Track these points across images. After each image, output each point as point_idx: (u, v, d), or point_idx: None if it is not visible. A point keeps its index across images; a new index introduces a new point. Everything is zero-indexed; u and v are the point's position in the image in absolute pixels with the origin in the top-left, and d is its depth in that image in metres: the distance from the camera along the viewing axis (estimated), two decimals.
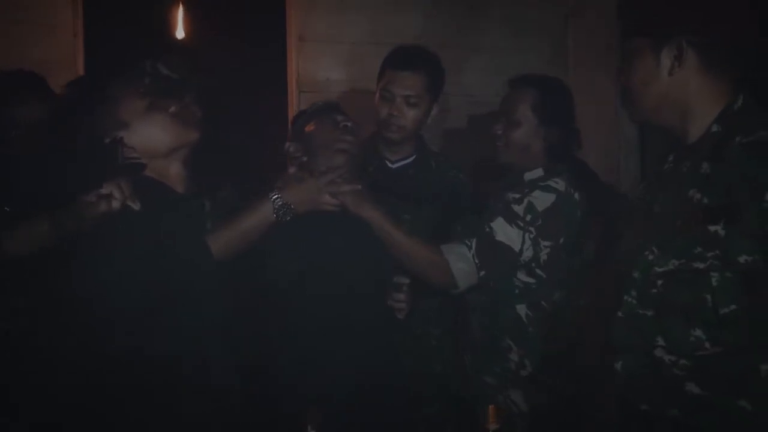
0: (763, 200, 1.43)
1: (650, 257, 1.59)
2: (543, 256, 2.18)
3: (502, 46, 3.46)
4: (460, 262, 2.12)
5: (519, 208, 2.17)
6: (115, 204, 1.62)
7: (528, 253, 2.17)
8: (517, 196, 2.19)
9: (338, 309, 2.07)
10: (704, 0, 1.57)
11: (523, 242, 2.16)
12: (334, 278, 2.08)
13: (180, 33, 3.80)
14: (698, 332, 1.50)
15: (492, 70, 3.31)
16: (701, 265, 1.49)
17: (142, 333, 1.59)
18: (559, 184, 2.21)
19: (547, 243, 2.18)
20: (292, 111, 3.38)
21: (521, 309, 2.23)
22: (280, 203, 1.99)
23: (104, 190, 1.63)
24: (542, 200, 2.18)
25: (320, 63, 3.35)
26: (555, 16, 3.56)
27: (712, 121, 1.57)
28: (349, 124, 2.13)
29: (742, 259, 1.45)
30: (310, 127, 2.16)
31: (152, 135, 1.75)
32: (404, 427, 2.22)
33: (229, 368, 1.80)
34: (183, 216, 1.78)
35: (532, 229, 2.16)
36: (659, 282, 1.56)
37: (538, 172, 2.28)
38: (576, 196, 2.24)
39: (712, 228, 1.48)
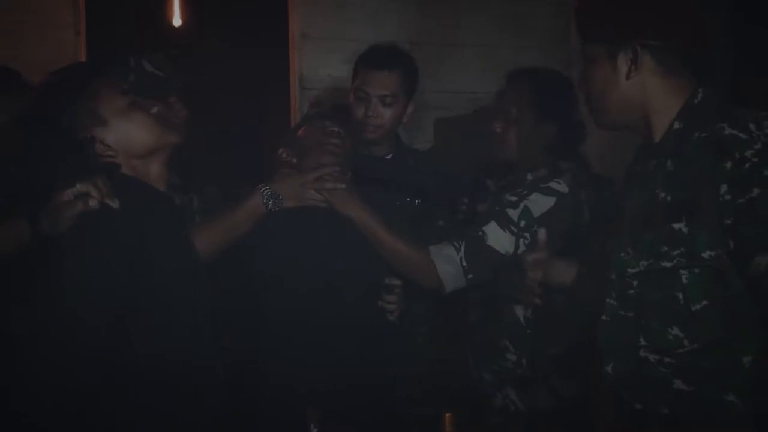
0: (719, 194, 1.44)
1: (625, 258, 1.60)
2: None
3: (503, 44, 3.45)
4: (447, 265, 2.10)
5: (514, 213, 2.13)
6: (93, 203, 1.59)
7: None
8: (514, 199, 2.15)
9: (326, 308, 2.08)
10: (658, 3, 1.56)
11: (517, 248, 2.12)
12: (322, 277, 2.10)
13: (177, 21, 3.77)
14: (675, 330, 1.51)
15: (493, 67, 3.30)
16: (669, 264, 1.50)
17: (123, 333, 1.57)
18: (562, 185, 2.16)
19: None
20: (295, 108, 3.39)
21: (519, 310, 2.21)
22: (269, 193, 2.05)
23: (81, 188, 1.60)
24: (540, 204, 2.14)
25: (323, 60, 3.35)
26: (557, 14, 3.55)
27: (674, 118, 1.58)
28: (336, 129, 2.19)
29: (706, 254, 1.46)
30: (300, 133, 2.24)
31: (131, 134, 1.71)
32: (397, 428, 2.23)
33: (214, 368, 1.79)
34: (165, 214, 1.76)
35: (527, 234, 2.12)
36: (635, 283, 1.58)
37: (541, 172, 2.22)
38: (582, 195, 2.20)
39: (675, 225, 1.49)
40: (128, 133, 1.72)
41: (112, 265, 1.56)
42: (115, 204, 1.61)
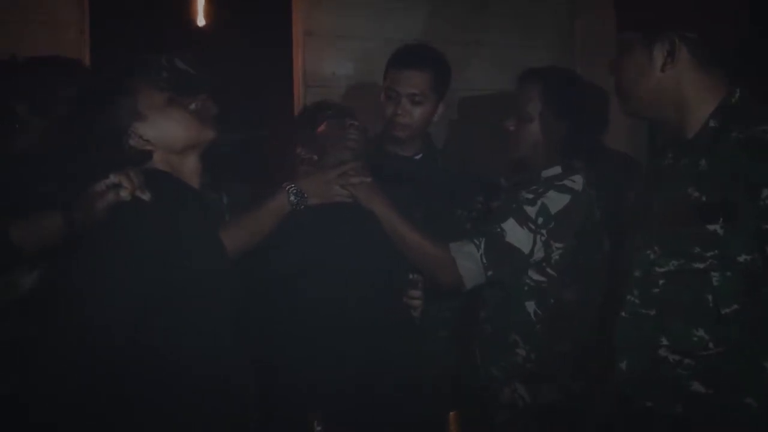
0: (759, 198, 1.43)
1: (651, 256, 1.59)
2: (555, 256, 2.17)
3: (508, 42, 3.45)
4: (468, 262, 2.11)
5: (531, 210, 2.14)
6: (124, 194, 1.60)
7: (539, 254, 2.16)
8: (531, 196, 2.17)
9: (344, 306, 2.09)
10: None
11: (534, 244, 2.13)
12: (342, 275, 2.10)
13: (201, 21, 3.76)
14: (701, 332, 1.50)
15: (498, 66, 3.31)
16: (701, 265, 1.49)
17: (152, 330, 1.58)
18: (576, 183, 2.18)
19: (559, 245, 2.16)
20: (298, 105, 3.38)
21: (530, 306, 2.22)
22: (295, 191, 2.04)
23: (113, 179, 1.62)
24: (556, 201, 2.15)
25: (326, 58, 3.35)
26: (561, 13, 3.54)
27: (709, 116, 1.56)
28: (355, 122, 2.19)
29: (741, 258, 1.45)
30: (320, 129, 2.23)
31: (170, 130, 1.73)
32: (407, 427, 2.23)
33: (244, 367, 1.80)
34: (197, 210, 1.76)
35: (543, 231, 2.13)
36: (661, 282, 1.57)
37: (556, 170, 2.24)
38: (593, 193, 2.21)
39: (710, 227, 1.48)
40: (167, 129, 1.73)
41: (140, 259, 1.56)
42: (146, 197, 1.62)
